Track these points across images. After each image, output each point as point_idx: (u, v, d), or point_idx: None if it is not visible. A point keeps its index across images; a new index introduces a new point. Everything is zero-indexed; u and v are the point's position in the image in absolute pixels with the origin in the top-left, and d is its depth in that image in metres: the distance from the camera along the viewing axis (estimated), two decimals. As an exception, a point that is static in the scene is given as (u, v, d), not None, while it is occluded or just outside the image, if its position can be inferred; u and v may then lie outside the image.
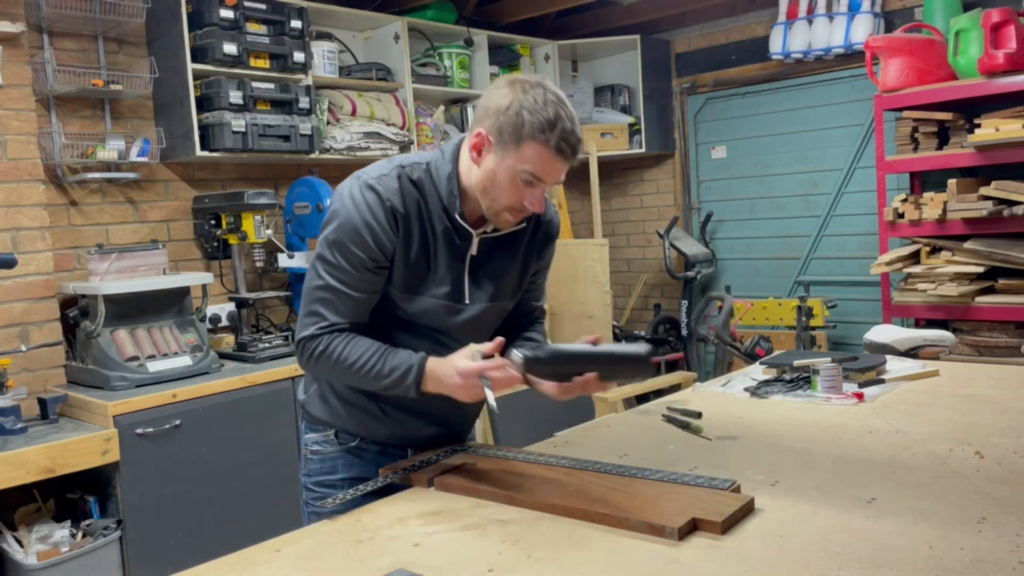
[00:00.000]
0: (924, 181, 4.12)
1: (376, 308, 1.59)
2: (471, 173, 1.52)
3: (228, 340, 3.57)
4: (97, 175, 3.22)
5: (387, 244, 1.51)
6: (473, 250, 1.58)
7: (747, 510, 1.33)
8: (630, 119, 5.10)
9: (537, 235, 1.69)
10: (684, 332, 4.95)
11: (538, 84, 1.45)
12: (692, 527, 1.27)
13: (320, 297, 1.52)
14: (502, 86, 1.47)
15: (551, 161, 1.45)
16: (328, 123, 3.76)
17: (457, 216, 1.54)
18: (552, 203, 1.75)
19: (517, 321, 1.77)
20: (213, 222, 3.46)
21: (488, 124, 1.46)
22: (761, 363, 2.52)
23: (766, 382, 2.31)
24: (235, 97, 3.33)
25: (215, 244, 3.52)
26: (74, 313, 2.98)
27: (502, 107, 1.44)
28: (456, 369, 1.46)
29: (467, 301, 1.60)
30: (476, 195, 1.53)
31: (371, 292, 1.54)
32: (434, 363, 1.51)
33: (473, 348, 1.48)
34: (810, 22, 4.38)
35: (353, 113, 3.85)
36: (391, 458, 1.69)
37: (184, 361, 2.98)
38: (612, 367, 1.48)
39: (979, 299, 3.58)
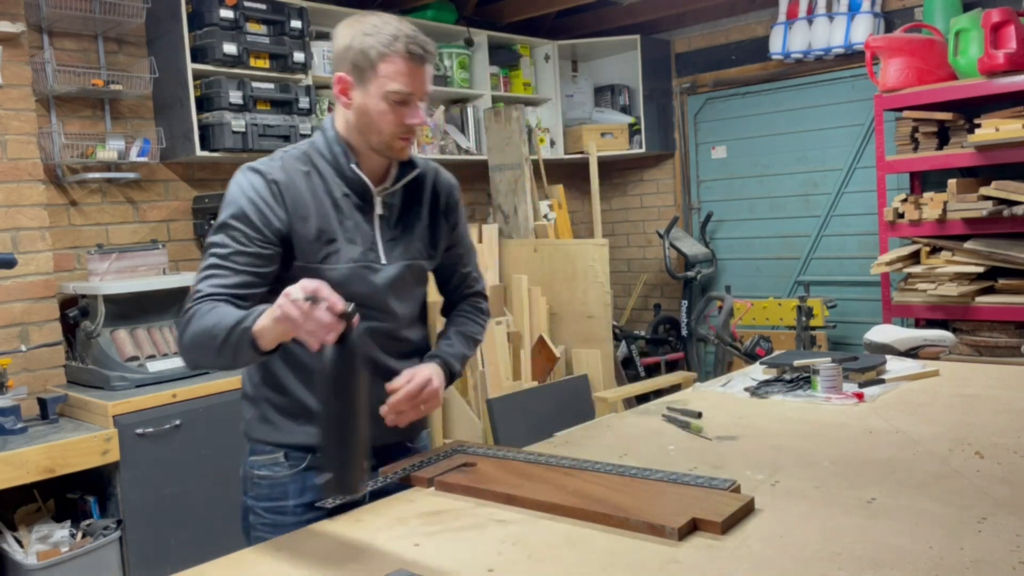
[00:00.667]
0: (924, 181, 4.12)
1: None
2: (348, 121, 1.55)
3: (228, 340, 3.57)
4: (97, 175, 3.22)
5: (274, 221, 1.50)
6: (379, 209, 1.59)
7: (747, 510, 1.33)
8: (630, 119, 5.10)
9: (439, 198, 1.70)
10: (684, 332, 4.95)
11: (369, 13, 1.53)
12: (692, 527, 1.27)
13: (202, 276, 1.48)
14: (340, 29, 1.53)
15: (408, 69, 1.48)
16: (328, 123, 3.76)
17: (354, 166, 1.55)
18: (450, 176, 1.77)
19: (454, 296, 1.81)
20: (213, 222, 3.45)
21: (343, 66, 1.51)
22: (761, 363, 2.52)
23: (766, 382, 2.31)
24: (235, 97, 3.33)
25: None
26: (74, 313, 2.98)
27: (346, 45, 1.50)
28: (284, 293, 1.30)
29: (384, 261, 1.59)
30: (363, 142, 1.54)
31: (256, 271, 1.49)
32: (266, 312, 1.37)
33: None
34: (810, 22, 4.38)
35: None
36: None
37: (184, 361, 2.98)
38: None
39: (979, 299, 3.58)
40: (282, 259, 1.53)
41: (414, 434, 1.74)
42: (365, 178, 1.57)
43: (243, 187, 1.52)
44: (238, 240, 1.48)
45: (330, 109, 3.78)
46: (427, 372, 1.55)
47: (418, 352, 1.71)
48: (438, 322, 1.87)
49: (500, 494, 1.45)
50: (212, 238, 1.52)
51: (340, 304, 1.24)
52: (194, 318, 1.43)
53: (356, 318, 1.26)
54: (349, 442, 1.27)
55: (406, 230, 1.64)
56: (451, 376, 1.66)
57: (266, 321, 1.33)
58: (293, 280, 1.47)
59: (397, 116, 1.50)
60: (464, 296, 1.83)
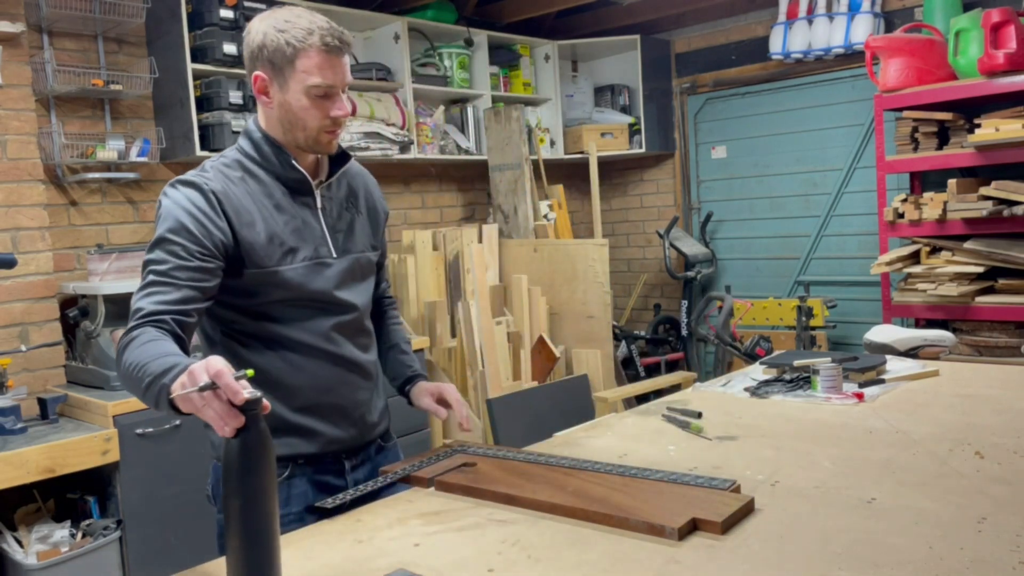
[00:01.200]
0: (924, 181, 4.13)
1: (250, 296, 1.51)
2: (271, 120, 1.53)
3: (228, 340, 3.57)
4: (97, 175, 3.22)
5: (215, 232, 1.43)
6: (320, 203, 1.59)
7: (747, 510, 1.33)
8: (630, 119, 5.10)
9: (370, 194, 1.74)
10: (684, 332, 4.95)
11: (278, 8, 1.51)
12: (692, 527, 1.27)
13: (142, 295, 1.40)
14: (252, 26, 1.50)
15: (326, 61, 1.46)
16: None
17: (294, 163, 1.54)
18: (365, 172, 1.79)
19: (376, 295, 1.82)
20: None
21: (259, 65, 1.49)
22: (761, 363, 2.52)
23: (766, 382, 2.31)
24: (235, 97, 3.33)
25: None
26: (74, 313, 2.98)
27: (260, 43, 1.47)
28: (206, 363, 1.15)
29: (335, 255, 1.59)
30: (290, 140, 1.53)
31: (198, 286, 1.41)
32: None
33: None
34: (810, 22, 4.38)
35: (353, 113, 3.85)
36: (326, 476, 1.61)
37: (184, 361, 2.98)
38: None
39: (979, 299, 3.58)
40: (231, 269, 1.47)
41: (385, 420, 1.74)
42: (304, 172, 1.55)
43: (179, 201, 1.45)
44: (178, 255, 1.40)
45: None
46: (450, 387, 1.74)
47: (371, 341, 1.73)
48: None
49: (500, 494, 1.45)
50: (149, 255, 1.43)
51: (241, 393, 1.07)
52: (131, 345, 1.32)
53: (265, 406, 1.10)
54: (255, 543, 1.08)
55: (349, 223, 1.65)
56: None
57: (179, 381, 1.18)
58: (246, 287, 1.48)
59: (321, 110, 1.49)
60: (382, 299, 1.87)
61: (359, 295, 1.65)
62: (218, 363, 1.11)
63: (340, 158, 1.63)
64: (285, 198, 1.55)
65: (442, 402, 1.73)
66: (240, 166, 1.54)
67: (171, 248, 1.41)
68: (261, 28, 1.48)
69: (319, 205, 1.59)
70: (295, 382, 1.55)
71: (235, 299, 1.51)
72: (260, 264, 1.49)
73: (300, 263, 1.54)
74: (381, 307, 1.86)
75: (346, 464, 1.64)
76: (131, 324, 1.37)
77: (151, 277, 1.41)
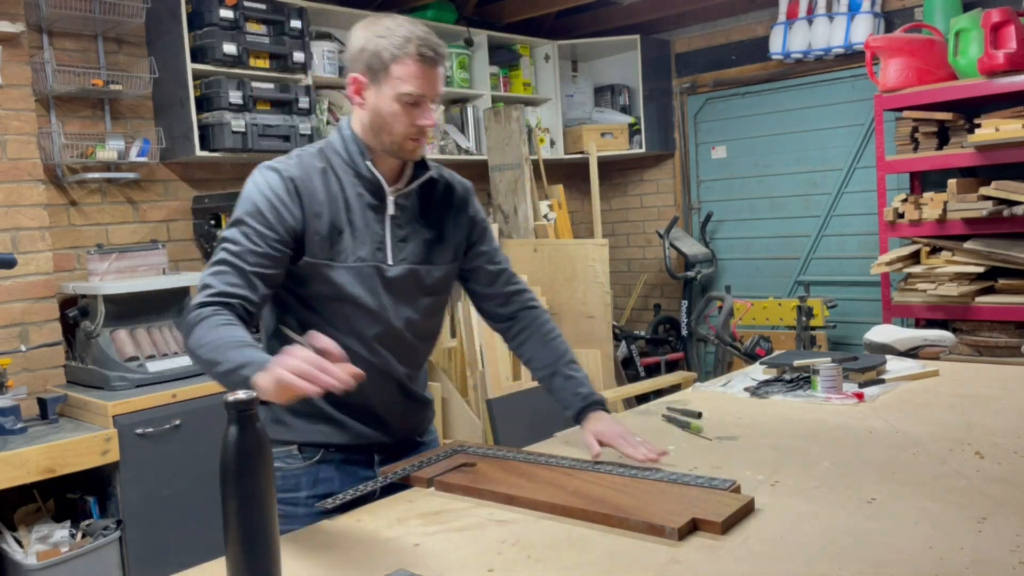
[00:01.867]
0: (924, 181, 4.13)
1: (302, 296, 1.57)
2: (363, 121, 1.57)
3: (228, 340, 3.57)
4: (97, 175, 3.22)
5: (288, 218, 1.51)
6: (391, 209, 1.59)
7: (747, 510, 1.33)
8: (630, 119, 5.10)
9: (451, 201, 1.71)
10: (684, 332, 4.95)
11: (384, 15, 1.55)
12: (692, 527, 1.27)
13: (214, 271, 1.47)
14: (354, 31, 1.55)
15: (420, 71, 1.50)
16: (328, 123, 3.76)
17: (369, 164, 1.56)
18: (463, 180, 1.78)
19: (501, 300, 1.78)
20: (213, 222, 3.46)
21: (357, 67, 1.53)
22: (761, 363, 2.52)
23: (766, 382, 2.31)
24: (235, 97, 3.33)
25: (215, 244, 3.51)
26: (74, 313, 2.98)
27: (360, 47, 1.52)
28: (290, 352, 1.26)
29: (390, 262, 1.59)
30: (376, 141, 1.56)
31: (265, 272, 1.48)
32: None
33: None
34: (810, 22, 4.38)
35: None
36: (355, 467, 1.65)
37: (184, 361, 2.98)
38: None
39: (979, 299, 3.58)
40: (294, 254, 1.54)
41: (423, 428, 1.79)
42: (380, 177, 1.58)
43: (259, 185, 1.53)
44: (251, 238, 1.49)
45: (330, 110, 3.78)
46: (616, 430, 1.60)
47: (421, 367, 1.74)
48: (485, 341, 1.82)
49: (500, 494, 1.45)
50: (225, 232, 1.53)
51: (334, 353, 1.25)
52: (205, 324, 1.39)
53: (335, 354, 1.22)
54: (254, 543, 1.08)
55: (416, 233, 1.64)
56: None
57: (261, 377, 1.25)
58: (300, 275, 1.54)
59: (408, 117, 1.52)
60: (515, 302, 1.79)
61: (414, 310, 1.64)
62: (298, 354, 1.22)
63: (423, 167, 1.65)
64: (358, 199, 1.58)
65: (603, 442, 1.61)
66: (324, 157, 1.59)
67: (245, 230, 1.49)
68: (363, 33, 1.53)
69: (390, 211, 1.60)
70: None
71: (291, 285, 1.57)
72: (315, 254, 1.54)
73: (353, 263, 1.56)
74: (525, 321, 1.78)
75: (376, 458, 1.67)
76: (202, 300, 1.44)
77: (223, 255, 1.49)
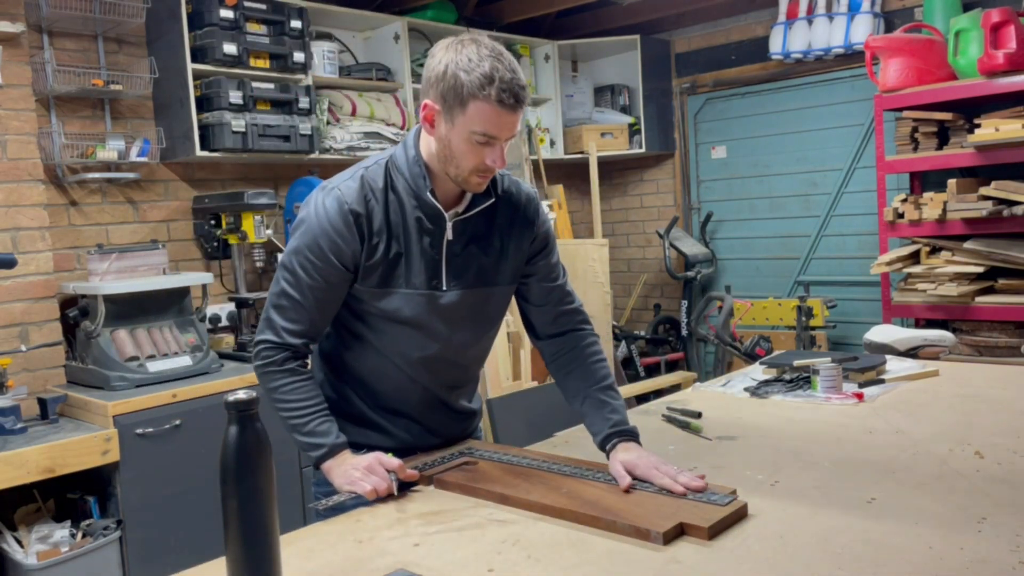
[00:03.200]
0: (924, 181, 4.12)
1: (354, 309, 1.60)
2: (430, 147, 1.52)
3: (228, 340, 3.57)
4: (97, 175, 3.21)
5: (346, 252, 1.51)
6: (449, 234, 1.56)
7: (738, 516, 1.32)
8: (630, 119, 5.10)
9: (515, 218, 1.64)
10: (684, 332, 4.95)
11: (471, 41, 1.44)
12: (679, 531, 1.27)
13: (276, 304, 1.55)
14: (437, 52, 1.46)
15: (497, 116, 1.43)
16: (328, 123, 3.76)
17: (428, 194, 1.52)
18: (530, 189, 1.71)
19: (550, 319, 1.72)
20: (213, 222, 3.46)
21: (432, 94, 1.46)
22: (761, 363, 2.52)
23: (766, 382, 2.31)
24: (235, 97, 3.33)
25: (215, 244, 3.52)
26: (74, 313, 2.98)
27: (440, 73, 1.43)
28: (364, 462, 1.52)
29: (444, 288, 1.58)
30: (441, 168, 1.52)
31: (327, 302, 1.56)
32: (347, 455, 1.55)
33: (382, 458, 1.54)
34: (810, 22, 4.38)
35: (353, 113, 3.85)
36: None
37: (184, 361, 2.98)
38: None
39: (979, 299, 3.58)
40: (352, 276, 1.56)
41: (468, 434, 1.82)
42: (440, 207, 1.54)
43: (319, 214, 1.51)
44: (309, 272, 1.52)
45: (330, 110, 3.78)
46: (649, 457, 1.49)
47: (470, 383, 1.76)
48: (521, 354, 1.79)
49: (495, 493, 1.45)
50: (285, 259, 1.55)
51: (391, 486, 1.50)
52: (281, 387, 1.56)
53: (410, 475, 1.46)
54: (254, 543, 1.08)
55: (473, 255, 1.60)
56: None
57: (329, 467, 1.54)
58: (355, 293, 1.57)
59: (478, 155, 1.46)
60: (562, 323, 1.71)
61: (468, 332, 1.63)
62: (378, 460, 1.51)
63: (485, 193, 1.59)
64: (416, 223, 1.55)
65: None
66: (387, 177, 1.55)
67: (303, 262, 1.53)
68: (445, 59, 1.43)
69: (447, 236, 1.56)
70: (378, 387, 1.66)
71: (346, 299, 1.60)
72: (370, 282, 1.55)
73: (407, 289, 1.55)
74: (569, 343, 1.71)
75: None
76: (269, 343, 1.56)
77: (284, 286, 1.55)
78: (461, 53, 1.42)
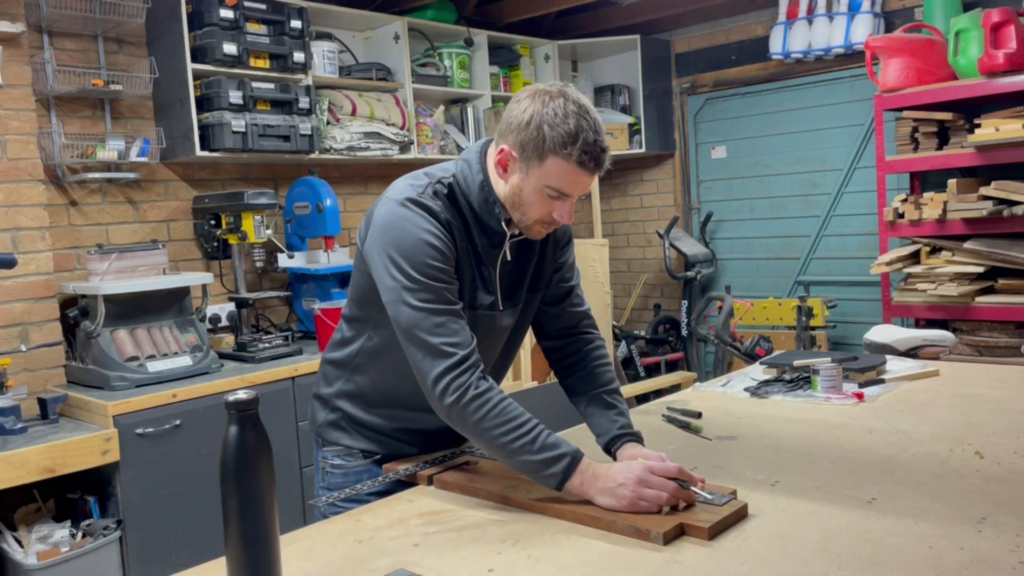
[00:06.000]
0: (924, 181, 4.13)
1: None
2: (499, 185, 1.48)
3: (228, 340, 3.57)
4: (97, 175, 3.21)
5: (450, 255, 1.45)
6: (508, 255, 1.55)
7: (739, 516, 1.32)
8: (630, 119, 5.10)
9: (552, 235, 1.65)
10: (684, 332, 4.95)
11: (559, 94, 1.40)
12: (679, 532, 1.27)
13: (428, 328, 1.38)
14: (523, 99, 1.42)
15: (575, 176, 1.40)
16: (328, 123, 3.76)
17: (504, 223, 1.49)
18: None
19: (557, 328, 1.71)
20: (213, 222, 3.46)
21: (511, 139, 1.42)
22: (761, 363, 2.52)
23: (766, 382, 2.31)
24: (235, 97, 3.33)
25: (215, 244, 3.52)
26: (74, 313, 2.98)
27: (523, 122, 1.39)
28: (630, 474, 1.33)
29: (501, 308, 1.58)
30: (507, 206, 1.49)
31: (460, 304, 1.47)
32: (592, 467, 1.37)
33: (642, 461, 1.38)
34: (810, 22, 4.38)
35: (353, 113, 3.85)
36: None
37: (184, 361, 2.98)
38: None
39: (979, 299, 3.58)
40: None
41: None
42: (507, 229, 1.51)
43: (414, 223, 1.42)
44: (440, 279, 1.41)
45: (330, 109, 3.78)
46: (656, 452, 1.48)
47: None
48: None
49: (495, 493, 1.45)
50: (406, 283, 1.39)
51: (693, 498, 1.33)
52: (487, 413, 1.36)
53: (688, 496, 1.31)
54: (254, 543, 1.08)
55: (520, 270, 1.60)
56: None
57: (577, 484, 1.35)
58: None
59: (546, 208, 1.45)
60: (570, 324, 1.71)
61: (508, 343, 1.66)
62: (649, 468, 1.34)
63: None
64: (479, 241, 1.52)
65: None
66: (451, 197, 1.50)
67: (430, 274, 1.40)
68: (531, 108, 1.39)
69: (507, 257, 1.55)
70: (399, 396, 1.60)
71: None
72: None
73: (471, 309, 1.53)
74: (575, 346, 1.70)
75: None
76: (452, 364, 1.37)
77: (423, 305, 1.39)
78: (548, 105, 1.38)
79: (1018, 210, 3.39)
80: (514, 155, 1.43)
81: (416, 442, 1.68)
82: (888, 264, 3.79)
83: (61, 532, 2.64)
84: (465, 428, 1.40)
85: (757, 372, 2.46)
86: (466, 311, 1.49)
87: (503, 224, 1.49)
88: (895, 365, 2.41)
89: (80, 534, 2.65)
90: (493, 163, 1.48)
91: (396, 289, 1.40)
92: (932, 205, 3.64)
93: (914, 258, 3.81)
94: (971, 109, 3.70)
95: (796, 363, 2.34)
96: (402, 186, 1.49)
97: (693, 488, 1.33)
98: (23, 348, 2.86)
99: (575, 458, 1.36)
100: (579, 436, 1.91)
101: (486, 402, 1.37)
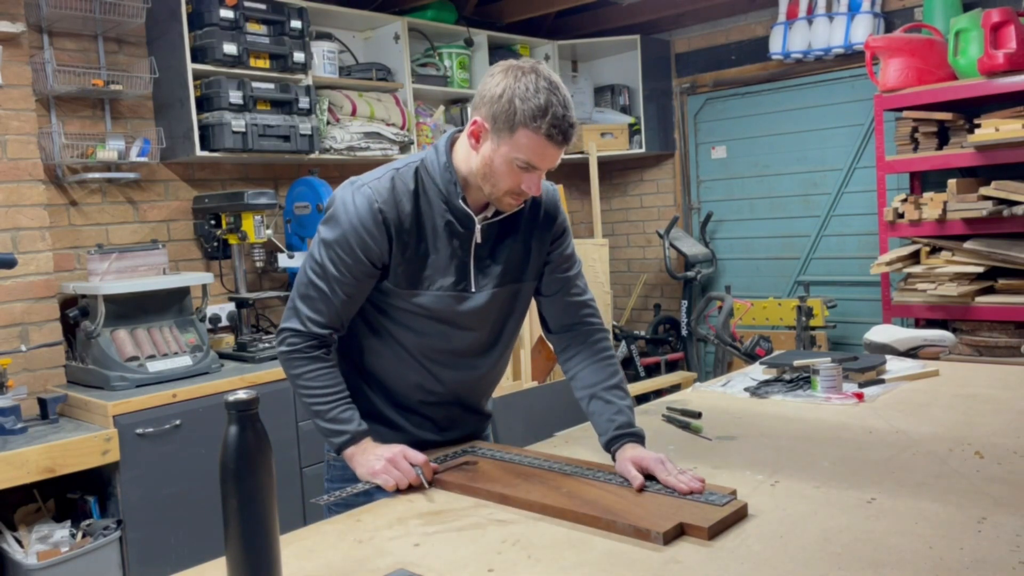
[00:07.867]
0: (924, 181, 4.12)
1: (378, 304, 1.60)
2: (470, 160, 1.53)
3: (228, 340, 3.57)
4: (97, 175, 3.21)
5: (375, 250, 1.52)
6: (478, 237, 1.58)
7: (739, 516, 1.32)
8: (630, 119, 5.10)
9: (537, 216, 1.67)
10: (684, 332, 4.95)
11: (531, 70, 1.46)
12: (679, 532, 1.27)
13: (303, 294, 1.57)
14: (496, 73, 1.49)
15: (543, 148, 1.46)
16: (328, 123, 3.76)
17: (460, 201, 1.54)
18: (549, 184, 1.72)
19: (560, 320, 1.73)
20: (213, 222, 3.46)
21: (483, 112, 1.48)
22: (761, 363, 2.52)
23: (766, 382, 2.31)
24: (235, 97, 3.33)
25: (215, 244, 3.52)
26: (74, 313, 2.98)
27: (495, 95, 1.46)
28: (388, 453, 1.53)
29: (473, 289, 1.59)
30: (476, 182, 1.53)
31: (353, 295, 1.57)
32: (369, 443, 1.56)
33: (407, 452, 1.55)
34: (810, 22, 4.38)
35: (353, 113, 3.85)
36: None
37: (184, 361, 2.98)
38: None
39: (979, 299, 3.58)
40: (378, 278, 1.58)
41: (479, 435, 1.83)
42: (471, 211, 1.56)
43: (349, 210, 1.52)
44: (338, 267, 1.53)
45: (330, 109, 3.78)
46: (656, 460, 1.48)
47: (491, 384, 1.77)
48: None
49: (495, 493, 1.45)
50: (314, 251, 1.56)
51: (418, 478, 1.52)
52: (304, 373, 1.56)
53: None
54: (254, 543, 1.08)
55: (499, 255, 1.62)
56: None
57: (350, 455, 1.55)
58: (381, 288, 1.58)
59: (516, 179, 1.50)
60: (572, 315, 1.72)
61: (492, 330, 1.66)
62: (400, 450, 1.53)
63: None
64: (446, 227, 1.56)
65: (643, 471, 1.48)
66: (417, 180, 1.56)
67: (332, 256, 1.54)
68: (503, 83, 1.46)
69: (476, 240, 1.58)
70: (396, 384, 1.66)
71: (372, 294, 1.61)
72: (398, 282, 1.56)
73: (436, 291, 1.57)
74: (579, 337, 1.72)
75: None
76: (293, 329, 1.57)
77: (311, 276, 1.56)
78: (520, 80, 1.45)
79: (1018, 210, 3.39)
80: (486, 127, 1.49)
81: (410, 428, 1.69)
82: (888, 264, 3.79)
83: (61, 532, 2.64)
84: (288, 376, 1.60)
85: (757, 372, 2.46)
86: (423, 292, 1.56)
87: (463, 202, 1.55)
88: (895, 365, 2.41)
89: (80, 534, 2.65)
90: (466, 136, 1.54)
91: (310, 249, 1.59)
92: (932, 205, 3.64)
93: (914, 258, 3.81)
94: (971, 109, 3.70)
95: (796, 363, 2.35)
96: (368, 174, 1.58)
97: (423, 476, 1.52)
98: (23, 348, 2.86)
99: (354, 436, 1.55)
100: (578, 435, 1.91)
101: (307, 363, 1.56)
